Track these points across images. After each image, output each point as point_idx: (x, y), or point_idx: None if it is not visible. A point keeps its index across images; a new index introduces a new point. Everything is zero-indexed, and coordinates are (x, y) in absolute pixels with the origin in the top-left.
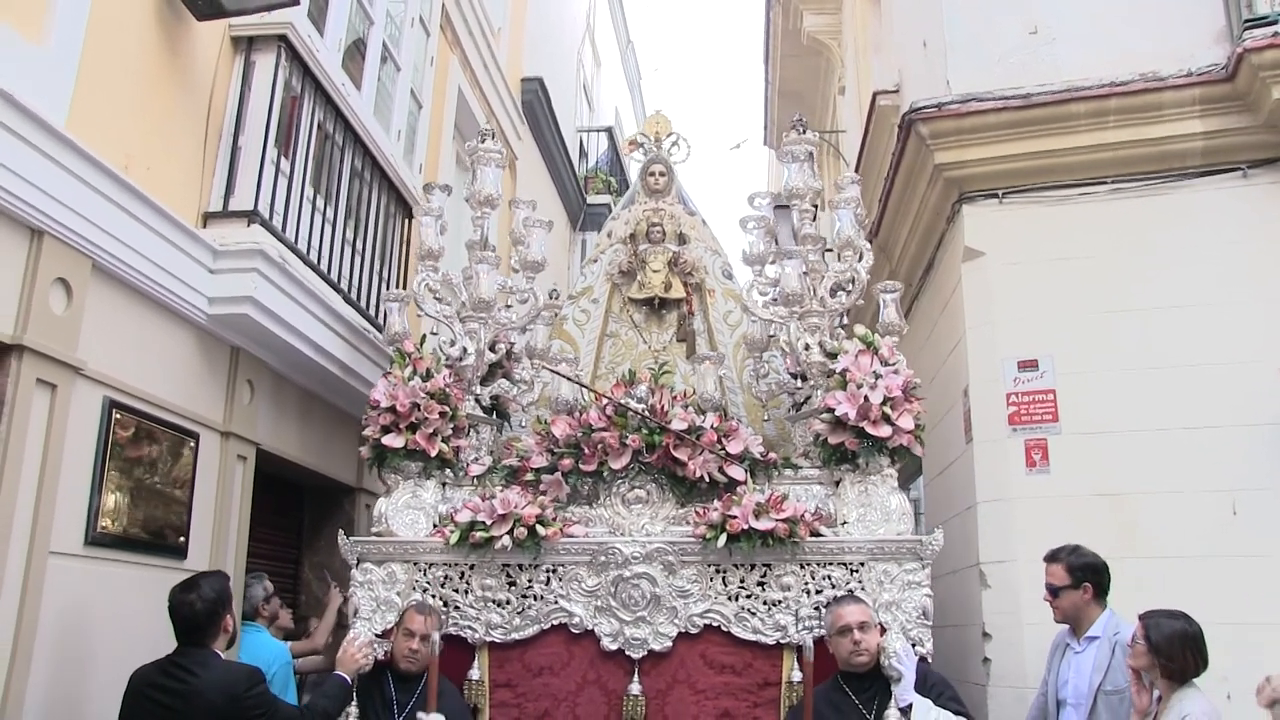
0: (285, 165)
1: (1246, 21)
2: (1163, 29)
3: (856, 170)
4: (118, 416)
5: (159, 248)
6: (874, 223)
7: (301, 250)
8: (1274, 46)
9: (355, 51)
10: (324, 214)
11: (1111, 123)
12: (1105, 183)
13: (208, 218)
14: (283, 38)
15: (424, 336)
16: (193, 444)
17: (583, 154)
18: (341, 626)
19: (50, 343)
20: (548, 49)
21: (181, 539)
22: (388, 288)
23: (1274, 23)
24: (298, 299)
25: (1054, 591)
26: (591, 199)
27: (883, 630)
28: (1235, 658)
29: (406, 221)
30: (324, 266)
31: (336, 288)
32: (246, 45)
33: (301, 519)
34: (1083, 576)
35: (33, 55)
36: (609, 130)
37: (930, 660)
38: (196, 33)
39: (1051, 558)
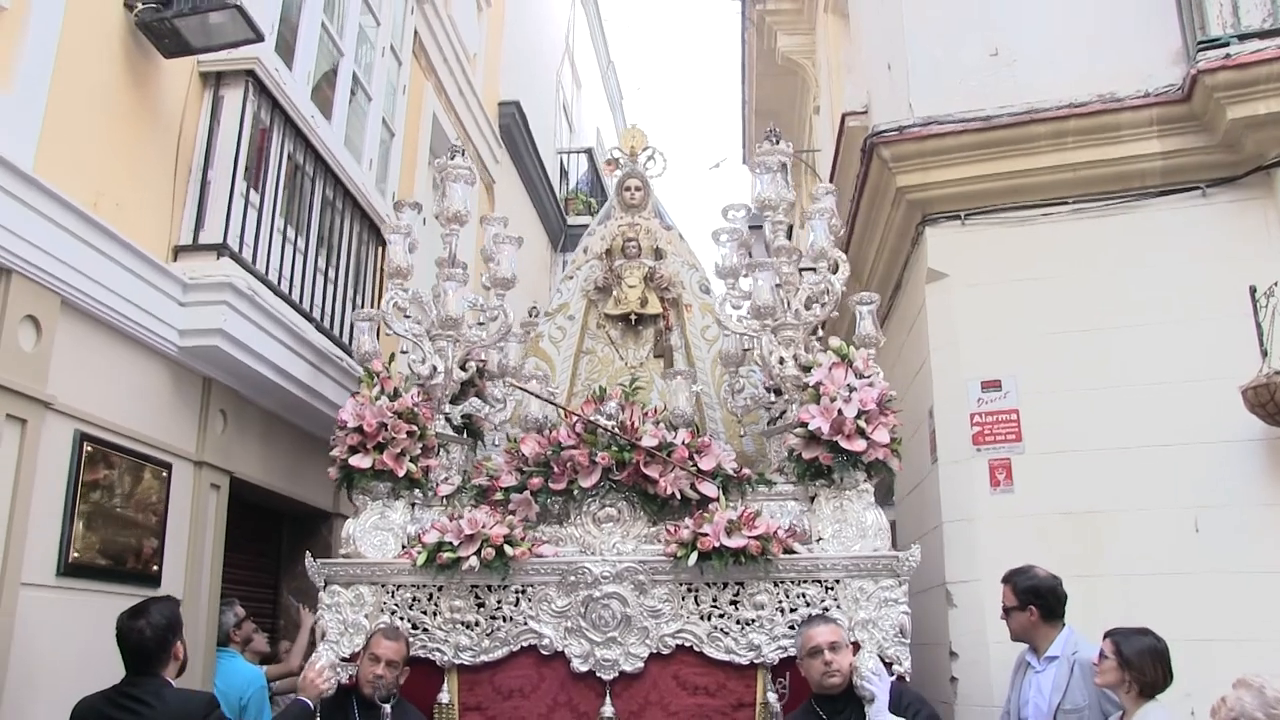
0: (255, 197)
1: (1200, 43)
2: (1121, 50)
3: None
4: (89, 449)
5: (128, 282)
6: (843, 244)
7: (272, 281)
8: (1227, 68)
9: (326, 82)
10: (295, 244)
11: (1071, 143)
12: (1066, 203)
13: (178, 251)
14: (250, 73)
15: (393, 355)
16: (165, 474)
17: (564, 175)
18: (315, 647)
19: (19, 379)
20: (526, 72)
21: (155, 567)
22: None
23: (1226, 44)
24: (268, 329)
25: (1005, 611)
26: (572, 220)
27: (856, 648)
28: (1199, 674)
29: (380, 248)
30: (296, 296)
31: (309, 317)
32: (215, 80)
33: (280, 545)
34: (1028, 599)
35: (0, 99)
36: (589, 151)
37: (909, 678)
38: (165, 70)
39: (1005, 579)
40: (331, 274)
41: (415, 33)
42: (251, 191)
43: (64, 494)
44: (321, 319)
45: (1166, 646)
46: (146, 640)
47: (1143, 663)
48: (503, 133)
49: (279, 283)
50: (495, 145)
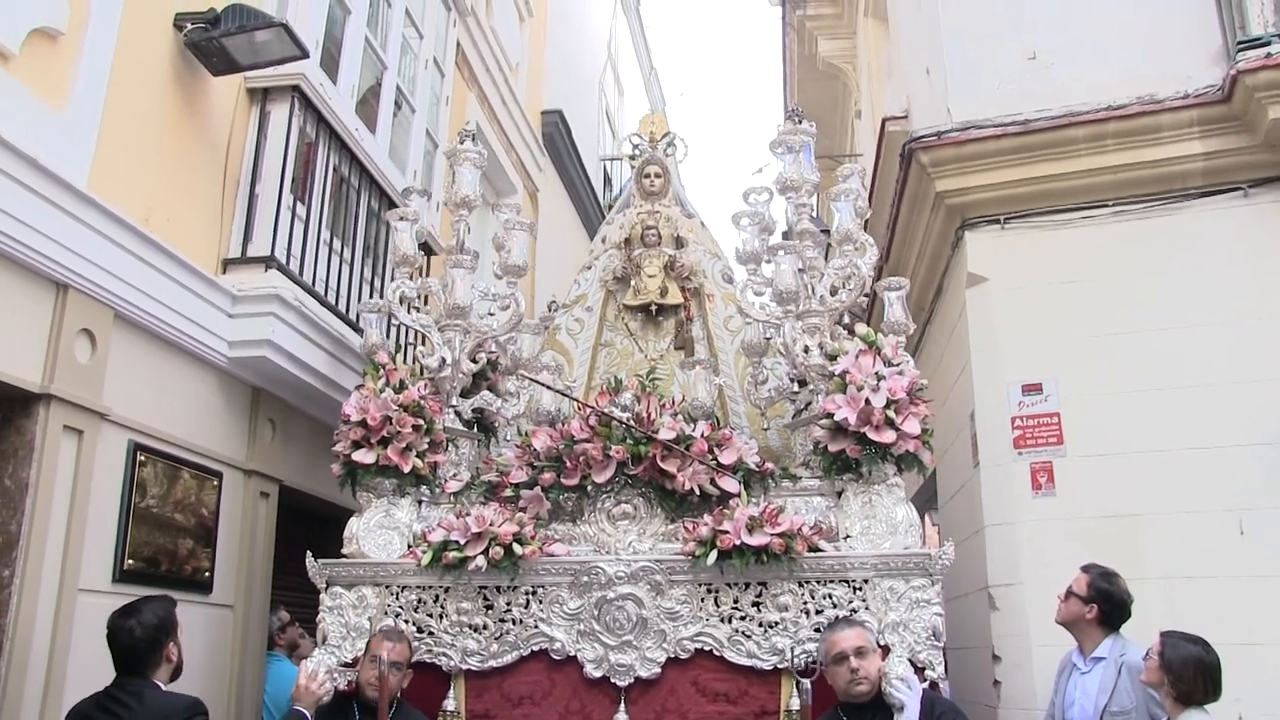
0: (301, 210)
1: (1240, 43)
2: (1160, 51)
3: (870, 195)
4: (142, 458)
5: (179, 295)
6: (884, 249)
7: (319, 291)
8: (1268, 68)
9: (371, 95)
10: (340, 255)
11: (1110, 146)
12: (1106, 206)
13: (227, 264)
14: (296, 88)
15: (402, 346)
16: (216, 483)
17: (607, 182)
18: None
19: (76, 391)
20: (568, 80)
21: (207, 574)
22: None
23: (1267, 44)
24: (315, 339)
25: (1067, 594)
26: None
27: (886, 653)
28: (1247, 679)
29: (425, 258)
30: (342, 306)
31: (355, 326)
32: (261, 96)
33: (329, 553)
34: (1096, 596)
35: (56, 120)
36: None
37: (942, 684)
38: (213, 87)
39: (1086, 568)
40: (377, 284)
41: (458, 44)
42: (298, 204)
43: (119, 502)
44: None
45: (1218, 660)
46: (136, 640)
47: (1183, 670)
48: (546, 141)
49: (325, 293)
50: (539, 154)
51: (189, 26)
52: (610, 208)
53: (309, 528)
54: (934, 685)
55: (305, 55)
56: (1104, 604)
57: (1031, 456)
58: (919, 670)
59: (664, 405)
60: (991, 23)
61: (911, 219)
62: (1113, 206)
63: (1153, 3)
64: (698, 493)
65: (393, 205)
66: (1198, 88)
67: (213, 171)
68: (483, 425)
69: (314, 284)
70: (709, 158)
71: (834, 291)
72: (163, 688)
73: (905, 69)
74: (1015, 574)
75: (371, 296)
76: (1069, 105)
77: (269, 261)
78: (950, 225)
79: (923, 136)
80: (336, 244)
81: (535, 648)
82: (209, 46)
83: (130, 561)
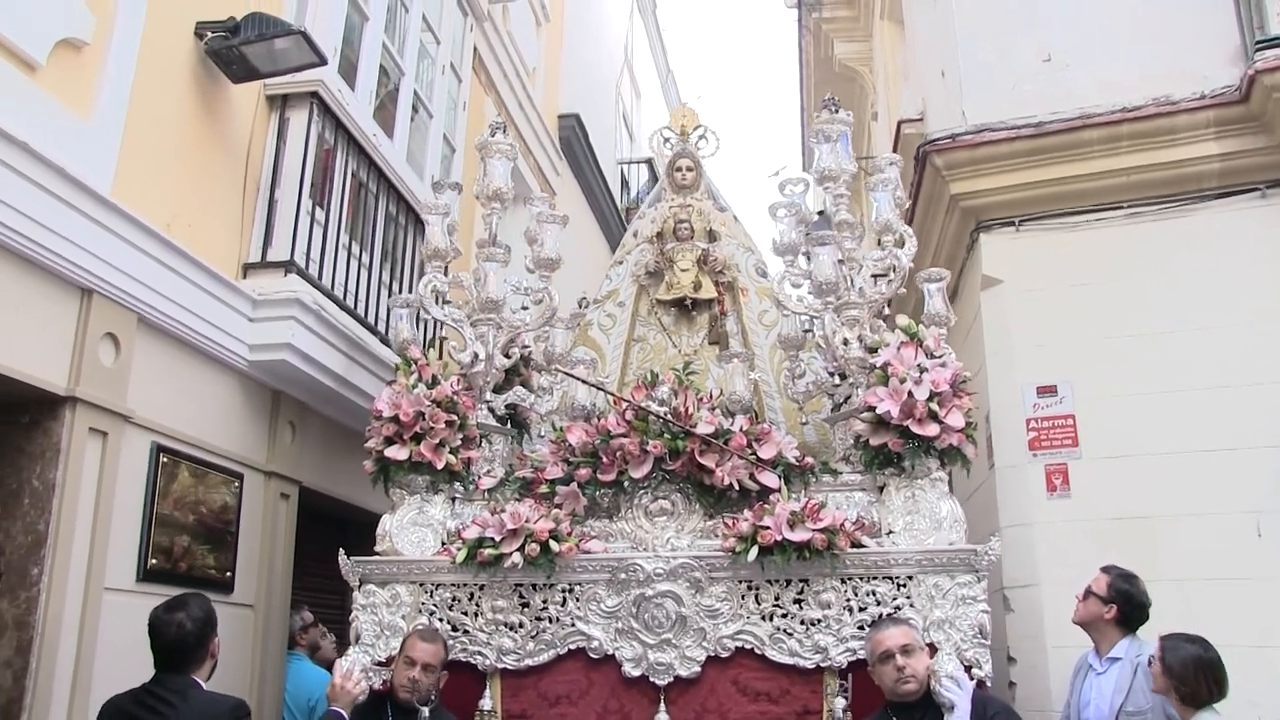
0: (320, 215)
1: (1259, 43)
2: (1176, 52)
3: None
4: (165, 460)
5: (201, 300)
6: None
7: (338, 295)
8: None
9: (389, 100)
10: (359, 259)
11: (1125, 148)
12: (1121, 207)
13: (247, 269)
14: (314, 94)
15: (433, 341)
16: (237, 484)
17: (624, 186)
18: None
19: (100, 393)
20: (585, 84)
21: (229, 574)
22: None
23: None
24: (334, 343)
25: (1086, 593)
26: None
27: (932, 651)
28: (1264, 682)
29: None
30: (361, 310)
31: (373, 330)
32: (280, 103)
33: (348, 553)
34: (1116, 597)
35: (81, 129)
36: (649, 161)
37: (989, 683)
38: (233, 94)
39: (1106, 569)
40: (396, 288)
41: (475, 49)
42: (317, 209)
43: (142, 503)
44: (386, 332)
45: (1218, 657)
46: (187, 634)
47: (1185, 672)
48: (563, 145)
49: (344, 297)
50: (556, 157)
51: (209, 35)
52: (628, 211)
53: (328, 529)
54: (981, 684)
55: (324, 62)
56: (1124, 605)
57: (1047, 458)
58: (966, 669)
59: (701, 399)
60: (1006, 25)
61: (926, 221)
62: (1128, 208)
63: (1168, 3)
64: (737, 488)
65: (410, 210)
66: (1214, 88)
67: (233, 177)
68: (516, 421)
69: (333, 288)
70: (725, 160)
71: (873, 283)
72: (203, 686)
73: (920, 71)
74: (1030, 575)
75: (390, 300)
76: (1083, 107)
77: (288, 266)
78: (965, 228)
79: (937, 139)
80: (355, 248)
81: (572, 646)
82: (229, 54)
83: (154, 561)
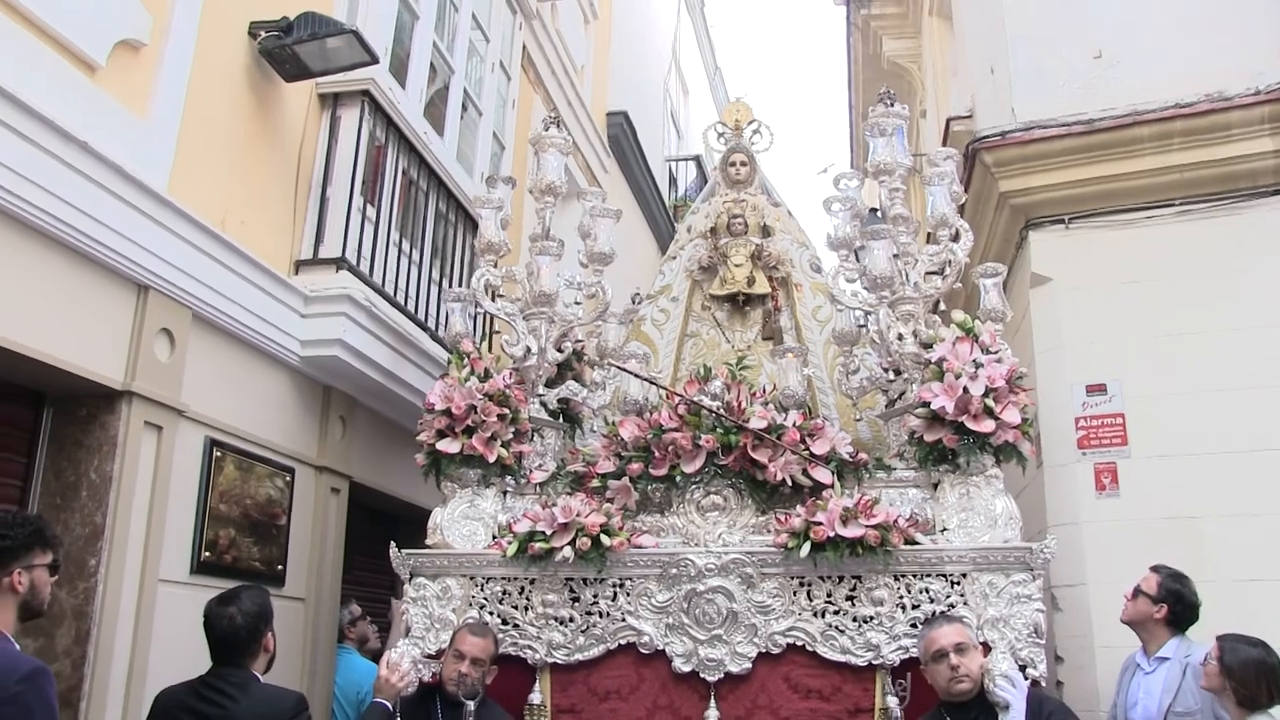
0: (371, 212)
1: None
2: (1229, 48)
3: None
4: (218, 454)
5: (254, 296)
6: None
7: (388, 292)
8: None
9: (438, 99)
10: (410, 256)
11: (1177, 145)
12: (1172, 205)
13: (299, 265)
14: (366, 93)
15: (485, 336)
16: (288, 478)
17: (672, 183)
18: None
19: (156, 388)
20: (633, 81)
21: (280, 567)
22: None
23: None
24: (384, 339)
25: (1136, 592)
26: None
27: (986, 650)
28: None
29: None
30: (411, 306)
31: (424, 326)
32: (332, 101)
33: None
34: (1166, 597)
35: (138, 127)
36: (697, 158)
37: (1044, 683)
38: (285, 93)
39: (1156, 568)
40: (446, 284)
41: (524, 47)
42: (368, 206)
43: (196, 497)
44: (436, 328)
45: (1278, 661)
46: (238, 628)
47: (1245, 675)
48: (611, 143)
49: (395, 293)
50: (604, 155)
51: (263, 35)
52: (675, 209)
53: (377, 524)
54: (1035, 684)
55: (375, 61)
56: (1174, 605)
57: (1096, 457)
58: (1020, 668)
59: (754, 394)
60: (1056, 21)
61: (976, 219)
62: (1179, 206)
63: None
64: (789, 483)
65: (460, 207)
66: (1269, 84)
67: (285, 175)
68: (568, 416)
69: (383, 284)
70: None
71: (928, 277)
72: (261, 679)
73: (970, 68)
74: (1078, 575)
75: (439, 297)
76: (1134, 104)
77: (340, 263)
78: (1014, 225)
79: (987, 136)
80: (405, 245)
81: (622, 641)
82: (282, 54)
83: (207, 553)
